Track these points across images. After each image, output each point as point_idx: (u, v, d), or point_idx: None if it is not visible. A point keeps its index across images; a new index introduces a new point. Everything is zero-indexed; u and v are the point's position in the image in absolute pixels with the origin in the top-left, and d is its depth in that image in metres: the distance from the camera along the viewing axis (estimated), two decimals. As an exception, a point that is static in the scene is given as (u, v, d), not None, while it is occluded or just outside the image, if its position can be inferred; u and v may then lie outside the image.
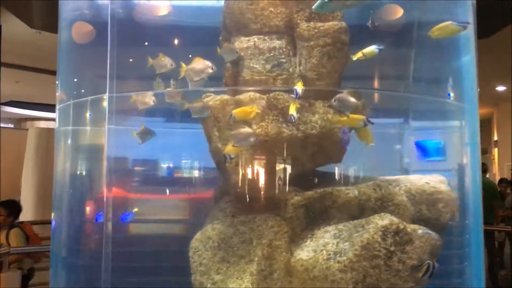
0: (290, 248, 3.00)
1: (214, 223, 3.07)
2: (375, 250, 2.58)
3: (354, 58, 3.02)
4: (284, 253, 2.97)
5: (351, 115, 2.79)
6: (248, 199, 3.10)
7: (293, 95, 2.83)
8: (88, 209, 3.23)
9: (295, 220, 3.02)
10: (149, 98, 3.01)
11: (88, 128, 3.41)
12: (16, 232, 6.17)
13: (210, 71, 2.91)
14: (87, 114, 3.28)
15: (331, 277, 2.65)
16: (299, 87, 2.79)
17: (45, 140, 8.23)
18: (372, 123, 2.78)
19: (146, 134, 3.02)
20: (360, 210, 3.04)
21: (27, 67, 10.76)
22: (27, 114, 19.86)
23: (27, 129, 9.33)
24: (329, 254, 2.73)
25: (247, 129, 2.79)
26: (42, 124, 18.64)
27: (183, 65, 2.96)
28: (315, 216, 3.05)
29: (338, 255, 2.68)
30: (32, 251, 5.72)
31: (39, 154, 8.15)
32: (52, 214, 3.32)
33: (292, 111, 2.75)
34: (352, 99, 2.90)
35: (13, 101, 17.86)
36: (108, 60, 2.97)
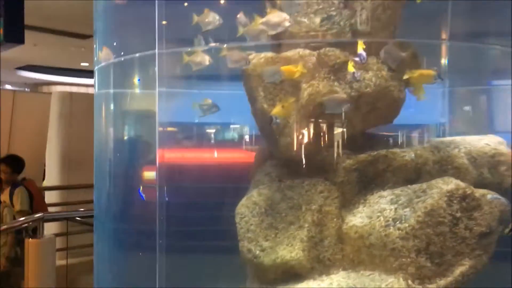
0: (341, 214, 2.84)
1: (260, 188, 2.91)
2: (440, 217, 2.40)
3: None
4: (335, 219, 2.81)
5: (422, 71, 2.56)
6: (295, 163, 2.93)
7: (357, 59, 2.60)
8: (135, 174, 3.10)
9: (346, 185, 2.85)
10: (204, 58, 2.79)
11: (133, 91, 3.22)
12: (20, 191, 5.98)
13: (287, 24, 2.65)
14: (135, 78, 3.09)
15: (390, 245, 2.49)
16: (363, 51, 2.55)
17: (68, 105, 8.08)
18: (442, 79, 2.56)
19: (210, 108, 2.81)
20: (416, 174, 2.85)
21: (46, 28, 10.49)
22: (42, 79, 19.75)
23: (50, 93, 9.16)
24: (388, 221, 2.56)
25: (340, 94, 2.56)
26: (59, 89, 18.54)
27: (258, 17, 2.69)
28: (368, 181, 2.86)
29: (398, 222, 2.51)
30: (64, 216, 5.65)
31: (63, 118, 8.01)
32: (94, 181, 3.19)
33: (353, 69, 2.53)
34: (400, 51, 2.68)
35: (30, 65, 17.72)
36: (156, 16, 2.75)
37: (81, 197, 7.57)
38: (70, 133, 7.96)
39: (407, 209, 2.53)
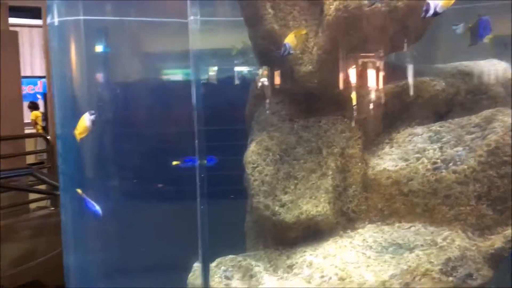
0: (364, 157, 2.39)
1: (270, 130, 2.37)
2: (505, 155, 2.01)
3: None
4: (359, 164, 2.36)
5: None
6: (309, 97, 2.41)
7: None
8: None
9: (369, 121, 2.39)
10: None
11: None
12: None
13: None
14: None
15: (443, 192, 2.08)
16: None
17: None
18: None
19: None
20: (447, 107, 2.45)
21: None
22: None
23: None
24: (435, 163, 2.14)
25: None
26: None
27: None
28: (393, 116, 2.42)
29: (451, 164, 2.10)
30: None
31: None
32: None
33: None
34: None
35: None
36: None
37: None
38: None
39: (460, 148, 2.13)
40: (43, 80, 13.76)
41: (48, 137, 5.94)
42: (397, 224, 2.26)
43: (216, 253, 2.47)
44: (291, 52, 2.16)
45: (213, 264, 2.38)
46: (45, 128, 10.50)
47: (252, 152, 2.27)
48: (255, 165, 2.24)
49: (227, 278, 2.23)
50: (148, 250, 2.74)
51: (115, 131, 2.71)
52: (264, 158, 2.25)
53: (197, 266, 2.33)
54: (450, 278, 1.88)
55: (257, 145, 2.29)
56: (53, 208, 5.94)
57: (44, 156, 7.82)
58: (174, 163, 2.68)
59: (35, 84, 14.01)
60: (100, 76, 2.79)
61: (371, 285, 1.90)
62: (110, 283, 2.75)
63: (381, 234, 2.23)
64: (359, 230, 2.31)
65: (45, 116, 10.47)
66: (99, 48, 2.76)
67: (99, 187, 2.71)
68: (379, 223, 2.33)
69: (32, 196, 6.00)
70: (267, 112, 2.44)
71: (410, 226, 2.21)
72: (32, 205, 6.03)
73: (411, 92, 2.37)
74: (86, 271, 2.89)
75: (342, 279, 1.96)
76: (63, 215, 2.88)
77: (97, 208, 2.47)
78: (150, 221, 2.78)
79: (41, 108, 11.63)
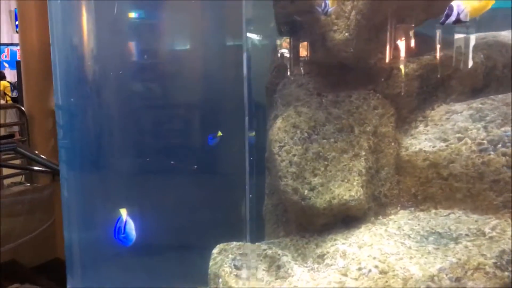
0: (396, 136, 2.19)
1: (296, 105, 2.12)
2: (562, 137, 1.83)
3: None
4: (392, 144, 2.15)
5: None
6: (339, 69, 2.17)
7: None
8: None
9: (404, 97, 2.17)
10: None
11: None
12: None
13: None
14: None
15: (492, 176, 1.89)
16: None
17: None
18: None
19: None
20: (485, 81, 2.25)
21: None
22: None
23: None
24: (481, 144, 1.94)
25: None
26: None
27: None
28: (428, 91, 2.21)
29: (500, 145, 1.90)
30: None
31: None
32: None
33: None
34: None
35: None
36: None
37: None
38: None
39: (508, 128, 1.93)
40: (11, 48, 13.06)
41: (23, 108, 5.54)
42: (433, 211, 2.07)
43: (227, 239, 2.26)
44: (330, 9, 1.90)
45: (215, 251, 2.16)
46: (16, 99, 9.95)
47: (279, 129, 2.02)
48: (282, 144, 2.00)
49: (236, 268, 2.00)
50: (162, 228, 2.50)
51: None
52: (291, 136, 2.01)
53: (217, 254, 2.10)
54: (506, 273, 1.70)
55: (283, 121, 2.04)
56: (28, 185, 5.61)
57: (15, 128, 7.39)
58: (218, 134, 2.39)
59: (2, 52, 13.30)
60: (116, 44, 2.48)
61: (418, 280, 1.70)
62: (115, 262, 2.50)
63: (417, 222, 2.03)
64: (392, 217, 2.11)
65: (17, 86, 9.89)
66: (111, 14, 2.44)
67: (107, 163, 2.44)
68: (412, 208, 2.14)
69: (6, 171, 5.65)
70: (293, 85, 2.19)
71: (449, 213, 2.03)
72: (6, 181, 5.68)
73: (450, 65, 2.17)
74: (89, 249, 2.65)
75: (383, 272, 1.75)
76: (64, 190, 2.60)
77: (130, 235, 1.87)
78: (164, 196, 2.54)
79: (8, 78, 11.05)
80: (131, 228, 1.81)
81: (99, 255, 2.70)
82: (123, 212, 1.83)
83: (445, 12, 1.73)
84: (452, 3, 1.72)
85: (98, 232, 2.60)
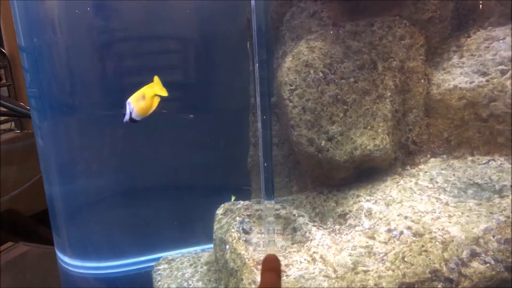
0: (426, 71, 1.86)
1: (309, 39, 1.78)
2: None
3: None
4: (422, 81, 1.84)
5: None
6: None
7: None
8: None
9: (436, 23, 1.83)
10: None
11: None
12: None
13: None
14: None
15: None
16: None
17: None
18: None
19: None
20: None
21: None
22: None
23: None
24: (531, 78, 1.63)
25: None
26: None
27: None
28: (464, 14, 1.87)
29: (556, 80, 1.59)
30: None
31: None
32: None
33: None
34: None
35: None
36: None
37: None
38: None
39: None
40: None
41: (3, 50, 5.16)
42: (469, 158, 1.79)
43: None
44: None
45: (219, 211, 1.90)
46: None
47: (289, 69, 1.70)
48: (293, 87, 1.68)
49: (245, 231, 1.74)
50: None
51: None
52: (304, 77, 1.69)
53: (222, 215, 1.83)
54: None
55: (294, 59, 1.71)
56: (18, 131, 5.34)
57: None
58: None
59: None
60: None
61: (461, 243, 1.44)
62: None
63: (452, 171, 1.76)
64: (422, 166, 1.83)
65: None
66: None
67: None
68: (444, 156, 1.85)
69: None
70: (303, 14, 1.83)
71: (489, 160, 1.74)
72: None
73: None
74: (71, 199, 2.39)
75: (418, 234, 1.50)
76: (39, 139, 2.32)
77: None
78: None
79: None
80: None
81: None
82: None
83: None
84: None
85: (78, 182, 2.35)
